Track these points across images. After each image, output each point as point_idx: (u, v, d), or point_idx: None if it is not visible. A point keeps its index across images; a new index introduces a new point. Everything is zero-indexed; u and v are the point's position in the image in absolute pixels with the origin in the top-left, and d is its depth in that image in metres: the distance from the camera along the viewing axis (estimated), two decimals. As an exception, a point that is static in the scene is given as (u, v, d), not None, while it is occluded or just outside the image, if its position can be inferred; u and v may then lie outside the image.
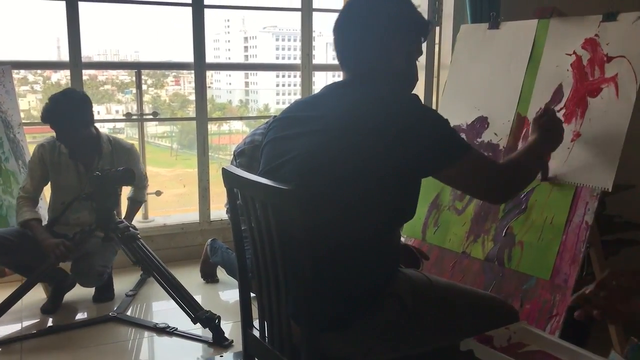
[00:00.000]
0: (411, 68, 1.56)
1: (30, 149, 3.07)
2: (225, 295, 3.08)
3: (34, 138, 4.93)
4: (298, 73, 3.76)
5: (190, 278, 3.12)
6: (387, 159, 1.33)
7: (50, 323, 2.66)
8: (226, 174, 1.52)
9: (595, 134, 1.84)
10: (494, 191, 1.49)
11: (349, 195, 1.34)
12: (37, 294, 2.85)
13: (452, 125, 1.43)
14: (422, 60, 3.42)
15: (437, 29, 3.48)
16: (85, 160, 2.81)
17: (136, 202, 3.07)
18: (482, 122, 2.22)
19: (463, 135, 2.21)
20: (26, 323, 2.66)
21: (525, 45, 2.10)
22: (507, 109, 2.10)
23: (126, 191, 3.04)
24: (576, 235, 1.81)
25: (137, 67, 3.50)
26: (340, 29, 1.52)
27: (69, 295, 2.85)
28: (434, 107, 3.65)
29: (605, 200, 2.14)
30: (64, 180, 2.82)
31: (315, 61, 3.73)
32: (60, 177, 2.82)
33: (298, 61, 3.75)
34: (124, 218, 2.92)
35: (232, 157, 2.96)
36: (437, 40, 3.45)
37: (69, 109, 2.67)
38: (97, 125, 2.88)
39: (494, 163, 1.55)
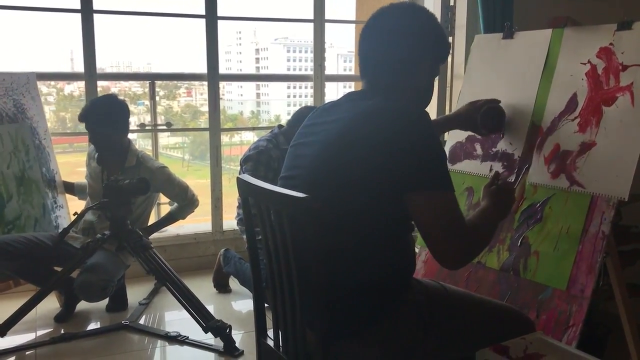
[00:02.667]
0: (431, 85, 1.58)
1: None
2: (238, 305, 3.08)
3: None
4: (309, 84, 3.78)
5: (202, 288, 3.14)
6: (381, 168, 1.31)
7: (63, 331, 2.67)
8: (241, 183, 1.52)
9: (611, 143, 1.82)
10: (451, 245, 1.33)
11: (355, 204, 1.34)
12: (51, 304, 2.86)
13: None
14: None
15: (450, 39, 3.48)
16: (110, 169, 2.87)
17: (172, 218, 3.07)
18: (496, 132, 2.21)
19: (478, 145, 2.20)
20: (40, 332, 2.67)
21: (540, 55, 2.10)
22: (522, 118, 2.09)
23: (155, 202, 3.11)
24: (592, 245, 1.79)
25: (152, 78, 3.52)
26: (366, 39, 1.51)
27: (83, 304, 2.86)
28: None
29: (621, 210, 2.12)
30: (92, 187, 2.94)
31: (326, 72, 3.75)
32: (91, 182, 2.96)
33: (309, 72, 3.77)
34: (149, 225, 3.02)
35: (239, 167, 3.00)
36: (450, 51, 3.46)
37: (105, 110, 2.80)
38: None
39: (463, 219, 1.38)
